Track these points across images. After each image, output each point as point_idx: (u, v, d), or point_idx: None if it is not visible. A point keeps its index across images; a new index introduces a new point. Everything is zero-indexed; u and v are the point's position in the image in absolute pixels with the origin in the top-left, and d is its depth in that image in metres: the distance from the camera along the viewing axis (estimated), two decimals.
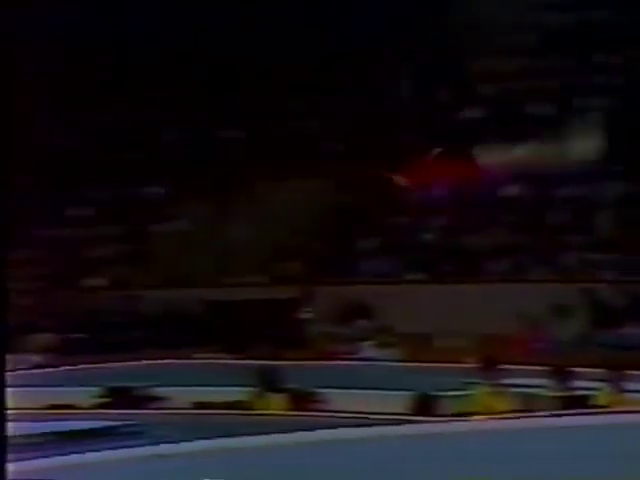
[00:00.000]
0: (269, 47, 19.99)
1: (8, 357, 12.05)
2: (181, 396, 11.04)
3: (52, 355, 14.42)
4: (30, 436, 8.19)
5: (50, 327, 16.04)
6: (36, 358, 14.21)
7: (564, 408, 9.90)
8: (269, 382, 10.48)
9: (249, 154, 19.49)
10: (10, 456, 6.93)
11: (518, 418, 9.31)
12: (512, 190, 17.16)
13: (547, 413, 9.56)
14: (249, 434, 7.84)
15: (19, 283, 18.54)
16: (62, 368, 13.55)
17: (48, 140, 20.96)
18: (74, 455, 7.67)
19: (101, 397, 11.23)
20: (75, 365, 13.62)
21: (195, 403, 10.81)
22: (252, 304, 16.56)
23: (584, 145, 17.16)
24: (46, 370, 13.55)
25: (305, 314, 16.29)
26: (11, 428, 8.41)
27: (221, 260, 18.37)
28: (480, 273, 16.16)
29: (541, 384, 10.51)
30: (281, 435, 7.50)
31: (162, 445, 7.97)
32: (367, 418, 9.12)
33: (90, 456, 7.66)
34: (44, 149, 20.81)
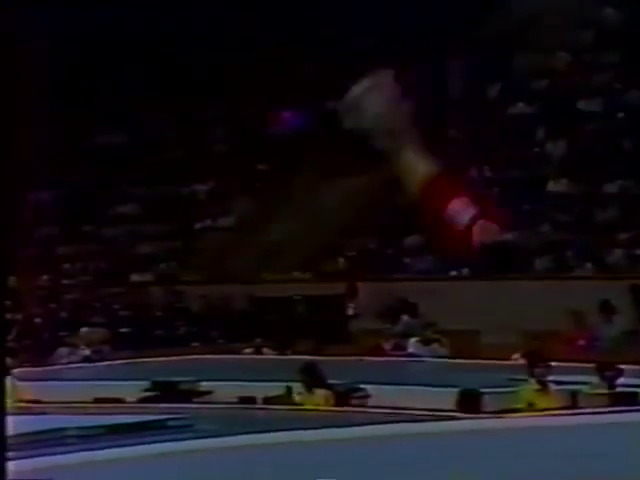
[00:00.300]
0: (311, 45, 20.03)
1: (61, 350, 12.02)
2: (226, 391, 11.08)
3: (100, 349, 14.54)
4: (75, 429, 8.25)
5: (98, 322, 16.18)
6: (84, 352, 14.34)
7: (610, 405, 9.81)
8: (313, 378, 10.49)
9: (293, 151, 19.51)
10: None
11: (564, 415, 9.21)
12: (559, 187, 17.04)
13: (593, 410, 9.47)
14: (293, 429, 7.82)
15: (68, 279, 18.76)
16: (109, 362, 13.64)
17: (95, 139, 21.14)
18: (120, 449, 7.72)
19: (147, 391, 11.30)
20: (122, 359, 13.71)
21: (240, 398, 10.84)
22: (297, 300, 16.59)
23: (632, 141, 17.00)
24: (94, 364, 13.64)
25: (350, 310, 16.28)
26: (59, 421, 8.47)
27: (266, 256, 18.40)
28: (526, 270, 16.06)
29: (587, 381, 10.39)
30: (325, 431, 7.49)
31: (207, 439, 8.01)
32: (412, 414, 9.03)
33: (133, 449, 7.70)
34: (92, 148, 21.01)
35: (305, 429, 7.87)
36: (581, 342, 13.36)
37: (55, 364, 13.86)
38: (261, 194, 19.58)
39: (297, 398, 10.49)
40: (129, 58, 20.67)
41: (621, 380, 10.30)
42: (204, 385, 11.27)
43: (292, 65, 20.01)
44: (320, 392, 10.37)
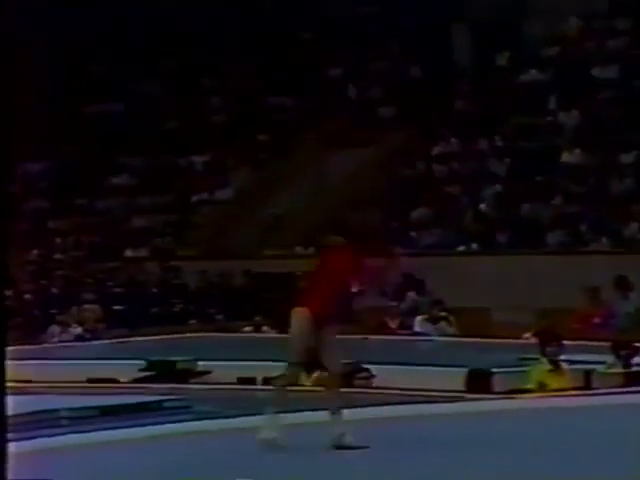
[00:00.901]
0: (316, 18, 19.86)
1: (53, 329, 11.74)
2: (224, 371, 10.84)
3: (93, 328, 14.27)
4: (68, 411, 8.04)
5: (91, 299, 15.89)
6: (77, 330, 14.08)
7: (624, 385, 9.63)
8: (310, 360, 10.17)
9: (296, 123, 19.28)
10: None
11: (576, 395, 9.09)
12: (572, 157, 16.74)
13: (607, 390, 9.33)
14: (295, 410, 7.56)
15: (60, 254, 18.48)
16: (104, 341, 13.46)
17: (89, 109, 20.87)
18: (115, 431, 7.47)
19: (143, 371, 11.03)
20: (116, 338, 13.51)
21: (239, 379, 10.58)
22: (298, 276, 16.29)
23: None
24: (88, 343, 13.46)
25: (355, 287, 15.93)
26: (52, 402, 8.18)
27: (266, 231, 18.18)
28: (539, 244, 15.81)
29: (601, 360, 10.17)
30: (325, 412, 7.20)
31: (204, 421, 7.76)
32: (418, 395, 8.85)
33: (128, 432, 7.49)
34: (86, 118, 20.72)
35: (307, 410, 7.72)
36: (596, 320, 13.20)
37: (47, 343, 13.65)
38: (261, 166, 19.32)
39: (299, 378, 10.17)
40: (125, 26, 20.42)
41: (637, 359, 10.06)
42: (202, 365, 11.03)
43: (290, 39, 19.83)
44: (317, 374, 10.06)
